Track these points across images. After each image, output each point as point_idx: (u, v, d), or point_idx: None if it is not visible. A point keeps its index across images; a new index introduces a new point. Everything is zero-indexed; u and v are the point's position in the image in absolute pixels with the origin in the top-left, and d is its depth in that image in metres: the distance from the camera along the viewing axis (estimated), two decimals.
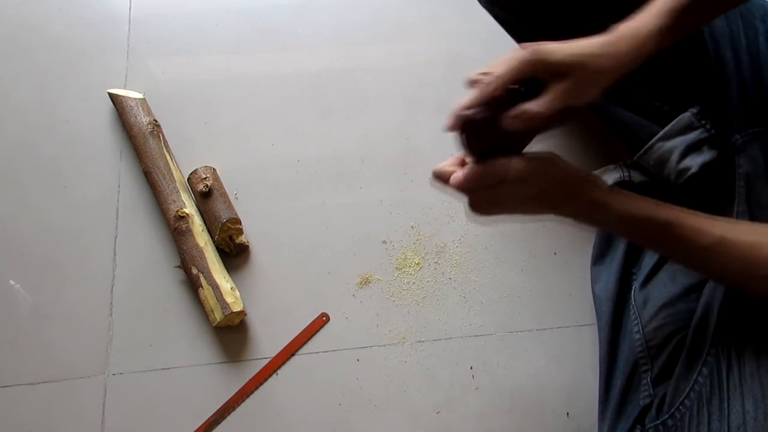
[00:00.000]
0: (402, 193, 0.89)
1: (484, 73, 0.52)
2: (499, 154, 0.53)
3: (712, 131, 0.70)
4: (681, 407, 0.58)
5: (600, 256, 0.78)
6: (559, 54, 0.51)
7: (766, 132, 0.67)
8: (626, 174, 0.78)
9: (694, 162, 0.72)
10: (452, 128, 0.54)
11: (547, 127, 0.54)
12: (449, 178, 0.56)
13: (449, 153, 0.91)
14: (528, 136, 0.55)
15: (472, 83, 0.55)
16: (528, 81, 0.52)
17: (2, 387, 0.77)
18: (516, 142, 0.54)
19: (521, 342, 0.80)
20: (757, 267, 0.50)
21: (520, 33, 0.80)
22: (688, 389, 0.58)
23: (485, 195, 0.55)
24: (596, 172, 0.83)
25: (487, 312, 0.81)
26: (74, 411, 0.75)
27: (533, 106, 0.51)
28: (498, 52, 0.84)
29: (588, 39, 0.53)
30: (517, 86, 0.51)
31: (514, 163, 0.53)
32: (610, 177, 0.79)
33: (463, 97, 0.53)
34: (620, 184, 0.78)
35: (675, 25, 0.54)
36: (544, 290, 0.83)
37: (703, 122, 0.71)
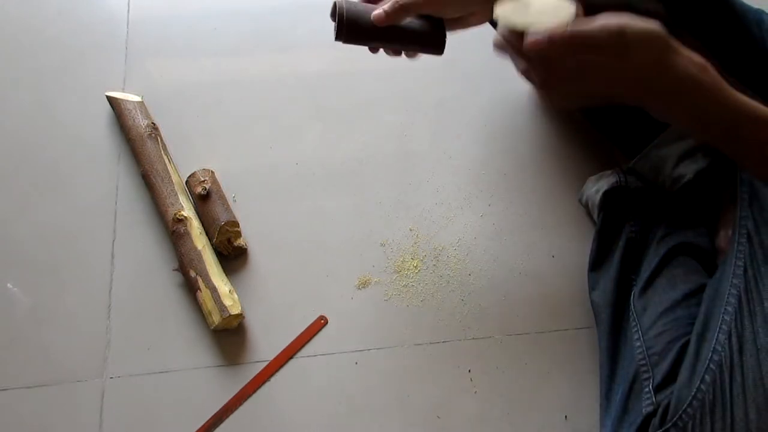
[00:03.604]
0: (401, 195, 0.89)
1: None
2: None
3: None
4: (684, 416, 0.58)
5: (597, 262, 0.78)
6: None
7: None
8: (622, 179, 0.79)
9: (688, 169, 0.72)
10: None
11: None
12: (520, 43, 0.48)
13: (449, 155, 0.92)
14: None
15: None
16: None
17: None
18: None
19: (519, 345, 0.80)
20: None
21: None
22: (690, 397, 0.58)
23: (570, 64, 0.48)
24: (593, 177, 0.84)
25: (486, 315, 0.81)
26: (71, 414, 0.75)
27: None
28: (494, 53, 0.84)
29: None
30: None
31: (614, 24, 0.46)
32: (606, 182, 0.80)
33: None
34: (616, 190, 0.79)
35: None
36: (542, 293, 0.83)
37: None
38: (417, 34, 0.61)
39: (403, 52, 0.66)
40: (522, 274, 0.84)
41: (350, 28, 0.60)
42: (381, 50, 0.66)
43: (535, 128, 0.94)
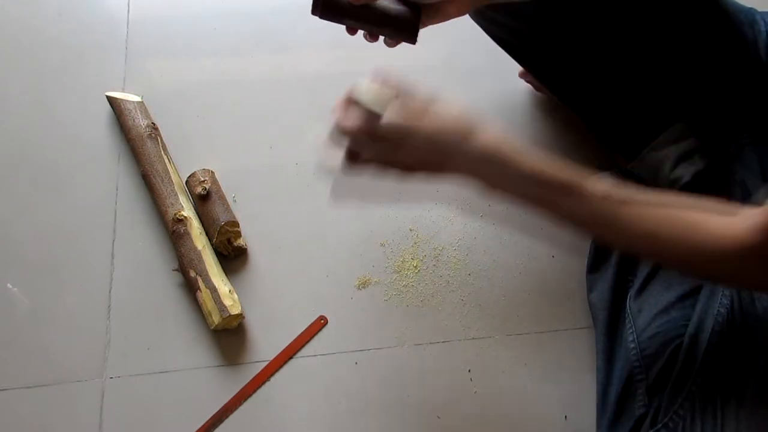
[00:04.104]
0: (400, 195, 0.89)
1: None
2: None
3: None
4: (675, 416, 0.58)
5: (594, 264, 0.78)
6: None
7: (759, 138, 0.67)
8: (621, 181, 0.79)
9: (686, 171, 0.72)
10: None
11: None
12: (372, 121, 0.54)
13: None
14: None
15: None
16: None
17: None
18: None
19: (519, 345, 0.80)
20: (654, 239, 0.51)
21: (509, 46, 0.81)
22: (681, 399, 0.58)
23: (384, 143, 0.54)
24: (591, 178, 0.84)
25: (486, 315, 0.81)
26: (71, 415, 0.75)
27: None
28: (494, 53, 0.85)
29: None
30: None
31: (411, 101, 0.54)
32: None
33: None
34: None
35: None
36: (542, 293, 0.83)
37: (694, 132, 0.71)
38: (392, 18, 0.62)
39: (380, 38, 0.66)
40: (522, 274, 0.84)
41: (326, 2, 0.61)
42: (359, 33, 0.67)
43: (535, 128, 0.94)
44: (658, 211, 0.51)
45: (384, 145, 0.55)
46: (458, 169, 0.55)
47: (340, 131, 0.56)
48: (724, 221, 0.48)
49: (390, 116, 0.54)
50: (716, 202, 0.50)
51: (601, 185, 0.52)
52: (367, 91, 0.56)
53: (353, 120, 0.55)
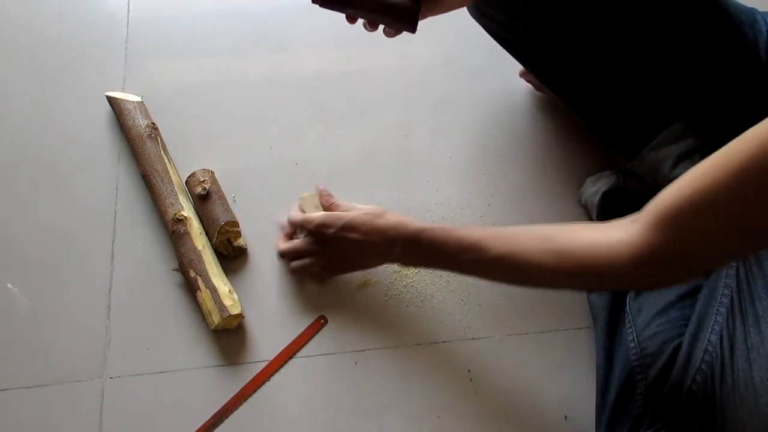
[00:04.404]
0: (400, 195, 0.89)
1: None
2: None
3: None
4: (674, 416, 0.58)
5: None
6: None
7: None
8: (621, 181, 0.79)
9: (686, 170, 0.72)
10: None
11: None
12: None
13: (448, 155, 0.92)
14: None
15: None
16: None
17: None
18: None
19: (519, 345, 0.80)
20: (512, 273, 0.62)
21: (510, 44, 0.81)
22: (680, 398, 0.58)
23: (330, 248, 0.75)
24: (592, 177, 0.84)
25: (485, 315, 0.81)
26: (71, 415, 0.75)
27: None
28: (495, 53, 0.85)
29: None
30: None
31: (350, 212, 0.74)
32: (605, 183, 0.80)
33: None
34: (615, 191, 0.79)
35: None
36: (542, 293, 0.83)
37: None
38: (392, 6, 0.63)
39: (380, 27, 0.67)
40: None
41: None
42: (359, 22, 0.67)
43: (535, 128, 0.94)
44: (530, 235, 0.60)
45: (317, 241, 0.76)
46: (378, 240, 0.71)
47: (285, 221, 0.80)
48: (605, 233, 0.54)
49: (316, 214, 0.76)
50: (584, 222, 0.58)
51: (457, 232, 0.65)
52: (307, 199, 0.81)
53: (295, 215, 0.79)
